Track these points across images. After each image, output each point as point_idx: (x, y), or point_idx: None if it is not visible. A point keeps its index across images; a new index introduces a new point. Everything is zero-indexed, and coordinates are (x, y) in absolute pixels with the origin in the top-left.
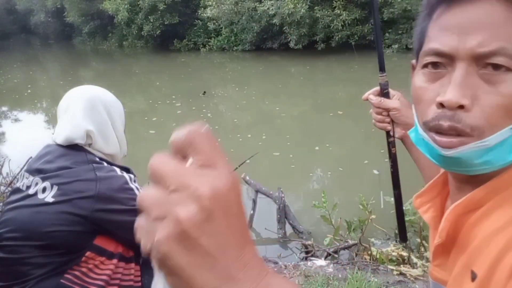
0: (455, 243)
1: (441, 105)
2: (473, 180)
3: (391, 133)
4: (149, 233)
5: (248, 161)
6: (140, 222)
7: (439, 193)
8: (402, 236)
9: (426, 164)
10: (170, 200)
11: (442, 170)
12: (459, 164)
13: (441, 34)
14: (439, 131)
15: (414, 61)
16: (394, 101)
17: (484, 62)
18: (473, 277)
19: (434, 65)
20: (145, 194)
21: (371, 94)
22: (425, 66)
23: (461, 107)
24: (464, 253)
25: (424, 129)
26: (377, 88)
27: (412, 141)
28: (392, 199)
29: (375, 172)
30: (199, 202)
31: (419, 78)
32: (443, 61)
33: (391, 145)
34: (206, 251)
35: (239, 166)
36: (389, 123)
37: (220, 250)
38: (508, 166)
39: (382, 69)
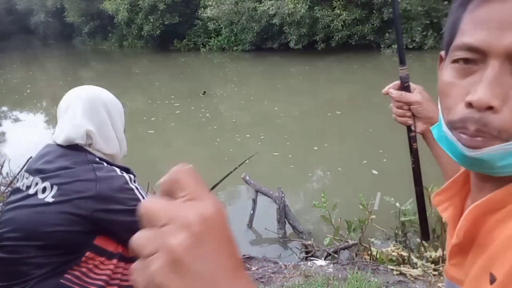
0: (473, 243)
1: (470, 104)
2: (496, 180)
3: (412, 128)
4: (144, 271)
5: (247, 161)
6: (134, 266)
7: (459, 191)
8: (424, 234)
9: (447, 161)
10: (161, 234)
11: (463, 168)
12: (482, 165)
13: (475, 28)
14: (464, 132)
15: (442, 53)
16: (416, 95)
17: None
18: (492, 280)
19: (466, 60)
20: (137, 237)
21: (391, 88)
22: (456, 61)
23: (490, 108)
24: (483, 254)
25: (449, 127)
26: (397, 81)
27: (434, 137)
28: (392, 199)
29: (374, 172)
30: (188, 229)
31: (448, 73)
32: (475, 57)
33: (412, 140)
34: (199, 275)
35: (239, 166)
36: (410, 117)
37: (213, 273)
38: None
39: (402, 61)
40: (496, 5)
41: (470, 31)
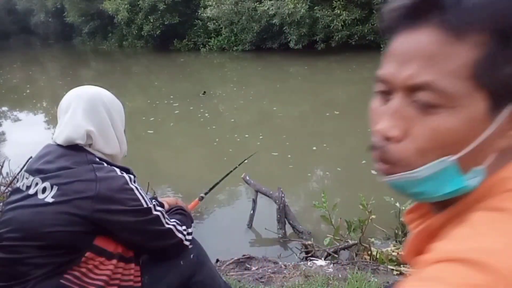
0: None
1: (377, 133)
2: (438, 203)
3: None
4: None
5: (246, 161)
6: None
7: (430, 210)
8: None
9: None
10: None
11: None
12: (399, 191)
13: (387, 60)
14: (375, 159)
15: None
16: None
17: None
18: None
19: (382, 91)
20: None
21: None
22: (377, 91)
23: (391, 138)
24: None
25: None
26: None
27: None
28: (392, 199)
29: (374, 172)
30: None
31: (374, 100)
32: (387, 89)
33: None
34: None
35: (238, 165)
36: None
37: None
38: (471, 190)
39: None
40: (402, 38)
41: (384, 64)
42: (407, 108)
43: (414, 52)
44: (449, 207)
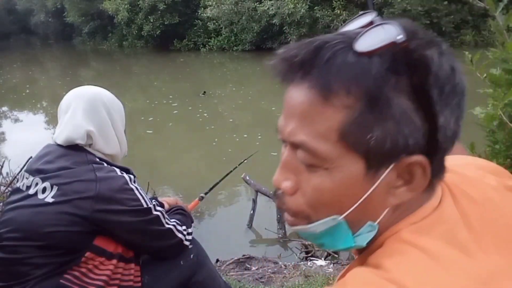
0: None
1: None
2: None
3: None
4: None
5: (245, 161)
6: None
7: None
8: None
9: None
10: None
11: None
12: (308, 239)
13: (282, 111)
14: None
15: None
16: None
17: None
18: None
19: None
20: None
21: None
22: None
23: (284, 190)
24: None
25: None
26: None
27: None
28: None
29: None
30: None
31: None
32: (281, 138)
33: None
34: None
35: (238, 165)
36: None
37: None
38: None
39: None
40: (290, 91)
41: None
42: (296, 161)
43: (294, 108)
44: (361, 254)
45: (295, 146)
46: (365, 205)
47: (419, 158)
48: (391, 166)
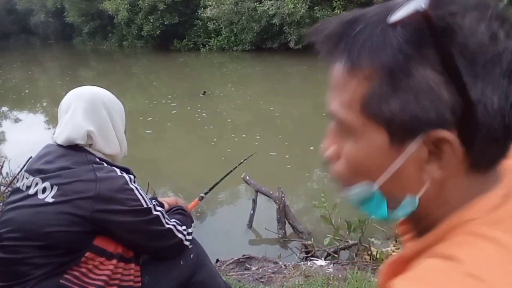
0: None
1: None
2: (414, 223)
3: None
4: None
5: (245, 161)
6: None
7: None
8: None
9: None
10: None
11: None
12: (356, 207)
13: None
14: None
15: None
16: None
17: None
18: None
19: None
20: None
21: None
22: None
23: (328, 157)
24: None
25: None
26: None
27: None
28: None
29: None
30: None
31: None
32: None
33: None
34: None
35: (238, 165)
36: None
37: None
38: (449, 215)
39: None
40: (334, 66)
41: None
42: (336, 130)
43: (332, 81)
44: (423, 237)
45: (332, 115)
46: (398, 177)
47: (445, 133)
48: (416, 139)
